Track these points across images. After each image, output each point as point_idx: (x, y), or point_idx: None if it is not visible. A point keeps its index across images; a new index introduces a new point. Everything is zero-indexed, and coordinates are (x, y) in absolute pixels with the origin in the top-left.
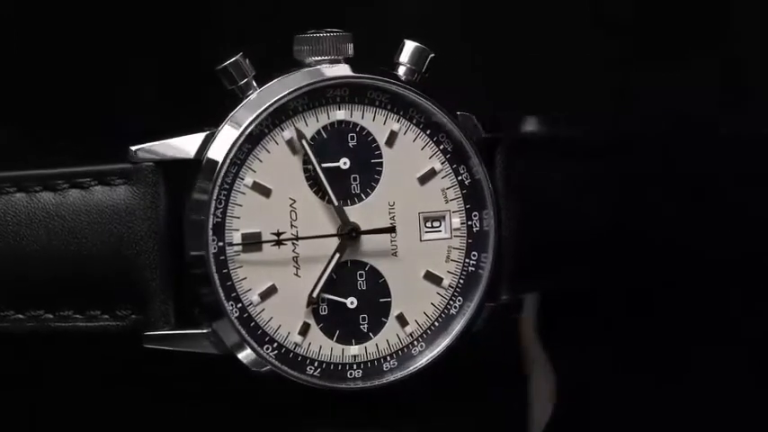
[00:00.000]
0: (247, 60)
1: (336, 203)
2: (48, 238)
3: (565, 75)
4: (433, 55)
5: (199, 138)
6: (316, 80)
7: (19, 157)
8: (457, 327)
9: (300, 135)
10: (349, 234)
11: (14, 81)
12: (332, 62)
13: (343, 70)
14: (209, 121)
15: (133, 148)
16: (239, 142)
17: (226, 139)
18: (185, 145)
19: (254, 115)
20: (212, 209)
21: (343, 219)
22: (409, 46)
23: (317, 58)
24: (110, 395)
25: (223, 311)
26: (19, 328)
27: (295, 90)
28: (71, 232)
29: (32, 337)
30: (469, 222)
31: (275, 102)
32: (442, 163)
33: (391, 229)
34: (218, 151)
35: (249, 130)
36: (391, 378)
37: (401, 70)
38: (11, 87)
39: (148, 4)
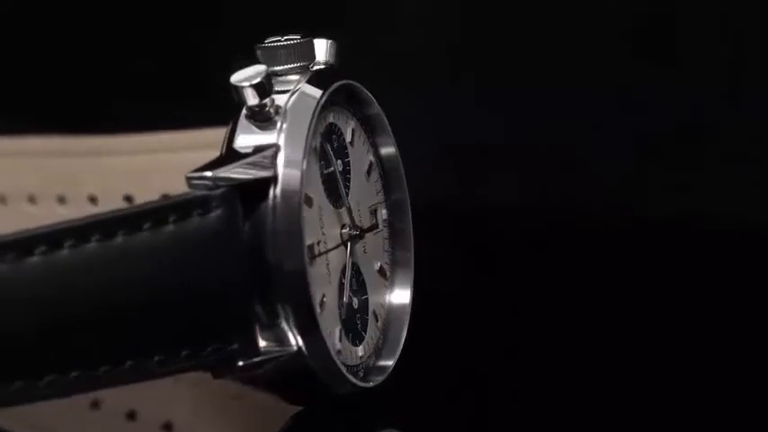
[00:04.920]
0: None
1: (348, 206)
2: (141, 282)
3: (565, 74)
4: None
5: (273, 157)
6: (340, 83)
7: None
8: (407, 315)
9: (327, 140)
10: (358, 235)
11: (21, 79)
12: (302, 68)
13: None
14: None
15: (209, 174)
16: (307, 157)
17: (293, 154)
18: (270, 166)
19: (307, 127)
20: (303, 224)
21: (352, 221)
22: (321, 43)
23: (293, 65)
24: None
25: (316, 326)
26: (123, 379)
27: (322, 96)
28: (168, 271)
29: None
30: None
31: (315, 111)
32: (374, 155)
33: (377, 226)
34: (290, 168)
35: (309, 142)
36: (384, 375)
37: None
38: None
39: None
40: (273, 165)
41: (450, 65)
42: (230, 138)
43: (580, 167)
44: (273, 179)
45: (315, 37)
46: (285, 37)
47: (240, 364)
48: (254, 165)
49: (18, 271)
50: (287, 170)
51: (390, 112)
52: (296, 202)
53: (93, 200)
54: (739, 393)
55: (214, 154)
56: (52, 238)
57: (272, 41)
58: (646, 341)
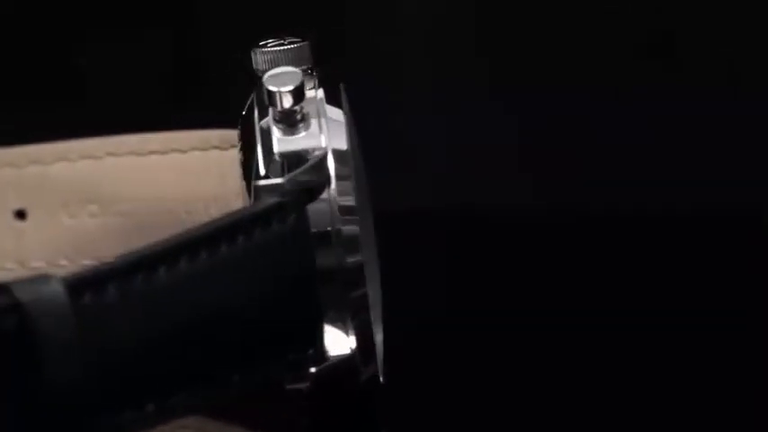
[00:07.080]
0: None
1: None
2: (242, 294)
3: (566, 74)
4: None
5: (325, 159)
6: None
7: None
8: (379, 311)
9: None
10: None
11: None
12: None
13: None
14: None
15: (281, 181)
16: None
17: (339, 156)
18: (323, 168)
19: (345, 129)
20: (359, 224)
21: None
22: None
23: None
24: None
25: (369, 327)
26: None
27: (341, 94)
28: (261, 281)
29: None
30: None
31: (345, 109)
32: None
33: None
34: (341, 170)
35: (349, 144)
36: (374, 372)
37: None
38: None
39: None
40: (326, 168)
41: (450, 65)
42: (264, 142)
43: (580, 167)
44: (327, 181)
45: (307, 38)
46: (282, 40)
47: (313, 370)
48: (313, 169)
49: (137, 294)
50: (339, 172)
51: (390, 112)
52: (351, 204)
53: None
54: (739, 393)
55: (40, 169)
56: (171, 253)
57: (272, 44)
58: (646, 341)
